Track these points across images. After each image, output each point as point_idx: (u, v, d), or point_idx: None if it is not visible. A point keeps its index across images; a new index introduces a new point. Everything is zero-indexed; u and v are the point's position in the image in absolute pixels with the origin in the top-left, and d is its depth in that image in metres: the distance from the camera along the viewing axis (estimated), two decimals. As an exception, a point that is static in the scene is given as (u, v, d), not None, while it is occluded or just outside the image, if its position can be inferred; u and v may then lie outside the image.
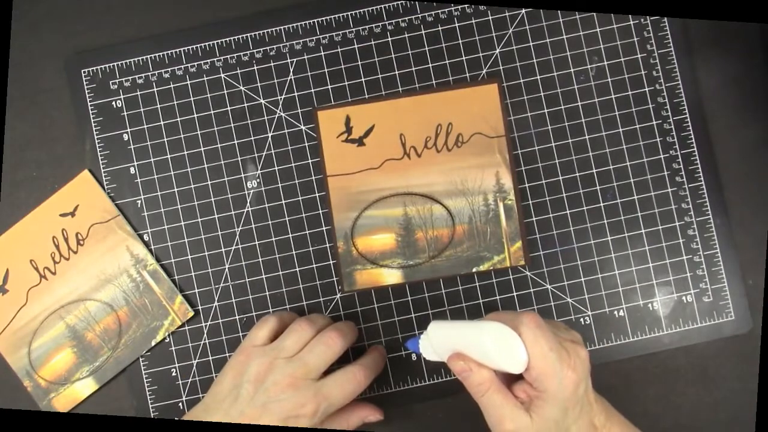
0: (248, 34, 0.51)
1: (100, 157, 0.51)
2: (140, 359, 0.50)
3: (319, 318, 0.46)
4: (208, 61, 0.51)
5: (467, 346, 0.40)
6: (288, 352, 0.43)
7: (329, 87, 0.50)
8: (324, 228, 0.50)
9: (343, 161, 0.50)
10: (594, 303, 0.50)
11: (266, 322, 0.45)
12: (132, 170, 0.51)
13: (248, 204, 0.50)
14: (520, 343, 0.38)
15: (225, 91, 0.51)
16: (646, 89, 0.50)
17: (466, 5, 0.50)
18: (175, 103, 0.51)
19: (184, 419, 0.43)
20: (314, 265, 0.50)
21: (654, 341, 0.49)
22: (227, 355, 0.50)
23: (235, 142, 0.50)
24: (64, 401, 0.50)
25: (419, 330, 0.50)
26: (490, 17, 0.50)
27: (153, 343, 0.50)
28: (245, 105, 0.50)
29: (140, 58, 0.51)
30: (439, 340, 0.42)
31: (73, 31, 0.51)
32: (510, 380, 0.41)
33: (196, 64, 0.51)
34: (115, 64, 0.51)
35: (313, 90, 0.51)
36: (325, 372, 0.43)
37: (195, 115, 0.51)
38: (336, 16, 0.51)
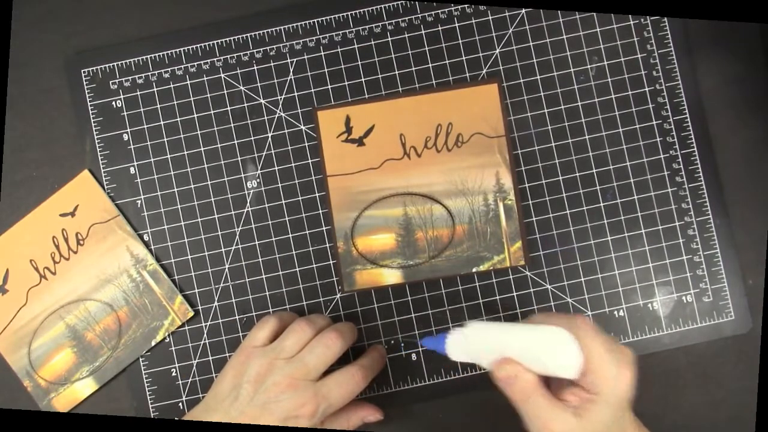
0: (248, 34, 0.51)
1: (100, 157, 0.51)
2: (140, 359, 0.50)
3: (318, 318, 0.46)
4: (208, 61, 0.51)
5: (516, 349, 0.39)
6: (288, 353, 0.43)
7: (329, 87, 0.50)
8: (324, 228, 0.50)
9: (343, 161, 0.50)
10: (594, 303, 0.50)
11: (266, 322, 0.45)
12: (132, 170, 0.51)
13: (248, 204, 0.50)
14: (577, 348, 0.37)
15: (225, 91, 0.51)
16: (646, 89, 0.50)
17: (466, 5, 0.50)
18: (175, 103, 0.51)
19: (184, 419, 0.43)
20: (314, 265, 0.50)
21: (654, 341, 0.49)
22: (227, 355, 0.50)
23: (235, 142, 0.50)
24: (64, 401, 0.50)
25: (417, 329, 0.50)
26: (490, 17, 0.50)
27: (153, 343, 0.50)
28: (245, 105, 0.50)
29: (140, 58, 0.51)
30: (479, 341, 0.41)
31: (73, 31, 0.51)
32: (549, 383, 0.40)
33: (196, 64, 0.51)
34: (115, 64, 0.51)
35: (313, 90, 0.51)
36: (325, 372, 0.43)
37: (195, 115, 0.51)
38: (336, 16, 0.51)
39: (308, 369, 0.42)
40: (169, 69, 0.51)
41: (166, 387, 0.50)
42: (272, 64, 0.51)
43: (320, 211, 0.50)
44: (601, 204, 0.50)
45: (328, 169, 0.50)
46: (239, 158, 0.50)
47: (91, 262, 0.50)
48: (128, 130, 0.51)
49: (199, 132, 0.51)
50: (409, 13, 0.51)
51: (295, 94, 0.51)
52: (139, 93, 0.51)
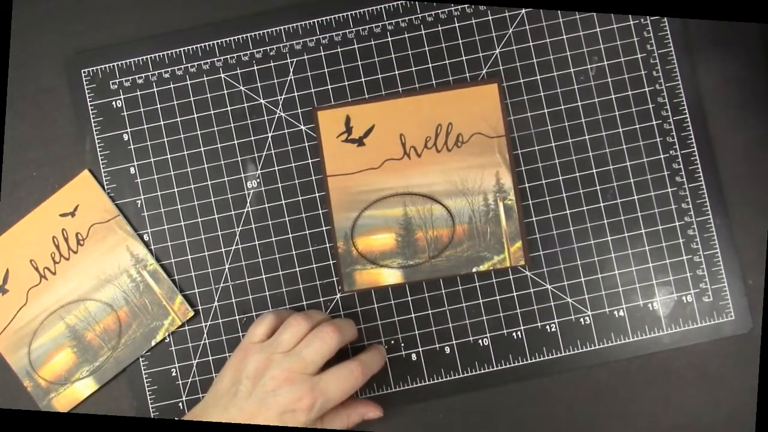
0: (248, 34, 0.51)
1: (100, 157, 0.51)
2: (140, 359, 0.50)
3: (315, 313, 0.46)
4: (208, 61, 0.51)
5: None
6: (284, 347, 0.43)
7: (329, 87, 0.50)
8: (324, 228, 0.50)
9: (343, 161, 0.50)
10: (594, 303, 0.50)
11: (264, 319, 0.45)
12: (132, 170, 0.51)
13: (248, 204, 0.50)
14: None
15: (225, 91, 0.51)
16: (646, 89, 0.50)
17: (466, 5, 0.50)
18: (175, 103, 0.51)
19: (184, 419, 0.43)
20: (314, 265, 0.50)
21: (654, 341, 0.49)
22: (227, 355, 0.50)
23: (235, 142, 0.50)
24: (64, 401, 0.50)
25: (417, 330, 0.50)
26: (490, 17, 0.50)
27: (153, 343, 0.50)
28: (245, 105, 0.50)
29: (140, 58, 0.51)
30: None
31: (73, 31, 0.51)
32: None
33: (196, 64, 0.51)
34: (115, 64, 0.51)
35: (313, 90, 0.51)
36: (324, 369, 0.43)
37: (195, 115, 0.51)
38: (336, 16, 0.51)
39: (305, 363, 0.42)
40: (169, 69, 0.51)
41: (166, 387, 0.50)
42: (272, 64, 0.51)
43: (320, 211, 0.50)
44: (601, 204, 0.50)
45: (328, 169, 0.50)
46: (239, 158, 0.50)
47: (91, 262, 0.50)
48: (128, 130, 0.51)
49: (199, 132, 0.51)
50: (409, 13, 0.51)
51: (295, 94, 0.51)
52: (139, 93, 0.51)
